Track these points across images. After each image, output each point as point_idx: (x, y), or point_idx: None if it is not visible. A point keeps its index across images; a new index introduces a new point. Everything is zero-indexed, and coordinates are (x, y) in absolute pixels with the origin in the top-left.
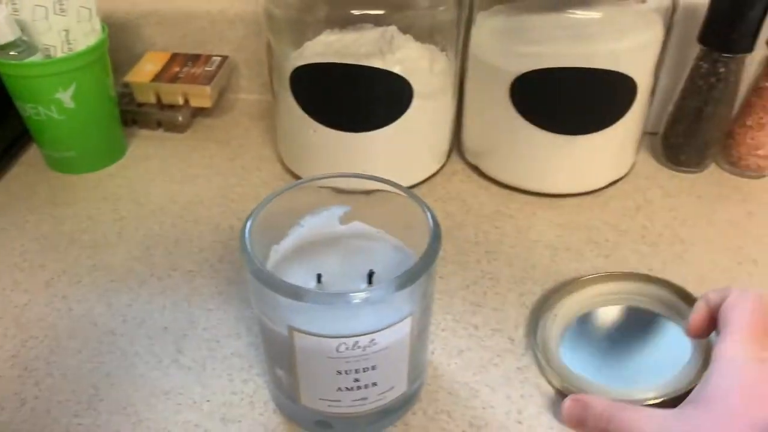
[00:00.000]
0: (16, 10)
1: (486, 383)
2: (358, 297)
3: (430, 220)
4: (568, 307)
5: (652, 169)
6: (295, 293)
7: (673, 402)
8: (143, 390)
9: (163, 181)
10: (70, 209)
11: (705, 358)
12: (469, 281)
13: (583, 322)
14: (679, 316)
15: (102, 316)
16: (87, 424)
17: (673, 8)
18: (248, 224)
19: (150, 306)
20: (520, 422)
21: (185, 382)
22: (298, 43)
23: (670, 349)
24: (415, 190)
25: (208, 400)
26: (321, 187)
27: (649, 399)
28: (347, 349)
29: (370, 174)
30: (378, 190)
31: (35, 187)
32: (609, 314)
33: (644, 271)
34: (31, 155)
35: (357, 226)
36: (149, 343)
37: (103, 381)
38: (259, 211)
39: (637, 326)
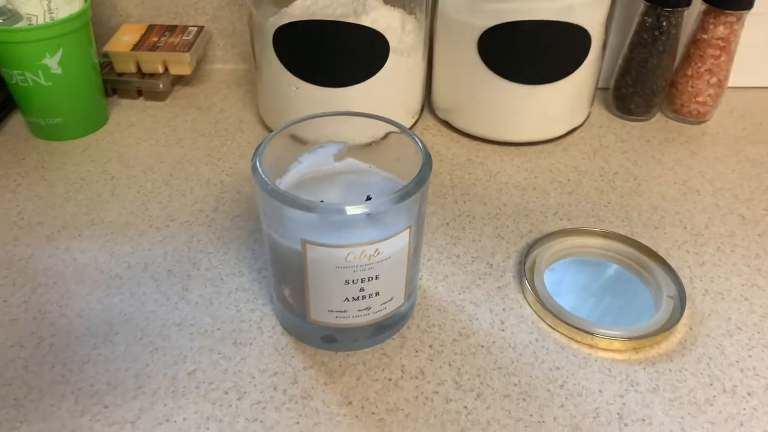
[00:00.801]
0: None
1: (470, 300)
2: (362, 208)
3: (420, 145)
4: (557, 249)
5: (606, 119)
6: (307, 206)
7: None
8: (155, 323)
9: (150, 144)
10: (60, 172)
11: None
12: (449, 219)
13: (568, 265)
14: (649, 275)
15: (106, 263)
16: (106, 354)
17: None
18: (260, 150)
19: (151, 253)
20: (503, 330)
21: (195, 314)
22: (277, 7)
23: (637, 305)
24: None
25: (218, 329)
26: (317, 124)
27: (610, 336)
28: (354, 258)
29: (363, 112)
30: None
31: (23, 154)
32: (591, 264)
33: (604, 204)
34: (14, 125)
35: (350, 162)
36: (155, 284)
37: (116, 318)
38: (267, 142)
39: (613, 279)
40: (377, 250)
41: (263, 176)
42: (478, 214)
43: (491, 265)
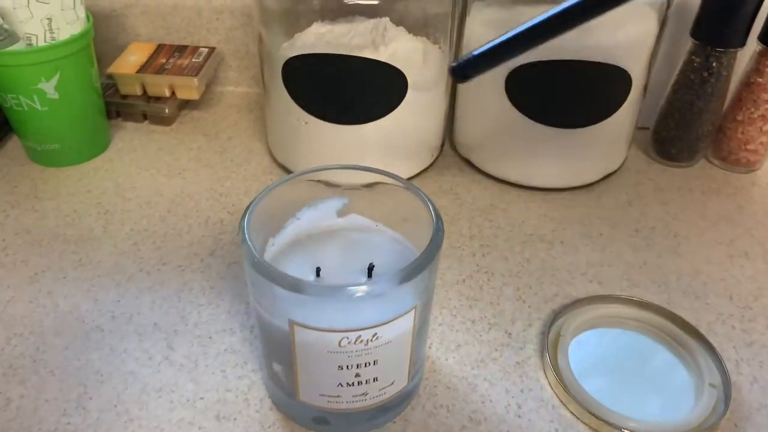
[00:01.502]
0: None
1: (485, 377)
2: (361, 290)
3: (432, 212)
4: (584, 319)
5: (643, 163)
6: (296, 286)
7: None
8: (134, 387)
9: (150, 174)
10: (53, 203)
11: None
12: (465, 275)
13: (596, 337)
14: (689, 356)
15: (89, 312)
16: (76, 423)
17: (668, 2)
18: (247, 215)
19: (138, 301)
20: (519, 416)
21: (177, 379)
22: (290, 34)
23: (673, 392)
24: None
25: (201, 398)
26: (319, 180)
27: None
28: (349, 343)
29: (367, 166)
30: (376, 183)
31: (16, 180)
32: (623, 338)
33: (639, 265)
34: (12, 147)
35: (355, 218)
36: (139, 339)
37: (91, 378)
38: (257, 202)
39: (647, 357)
40: (375, 334)
41: (250, 245)
42: (498, 270)
43: (510, 334)
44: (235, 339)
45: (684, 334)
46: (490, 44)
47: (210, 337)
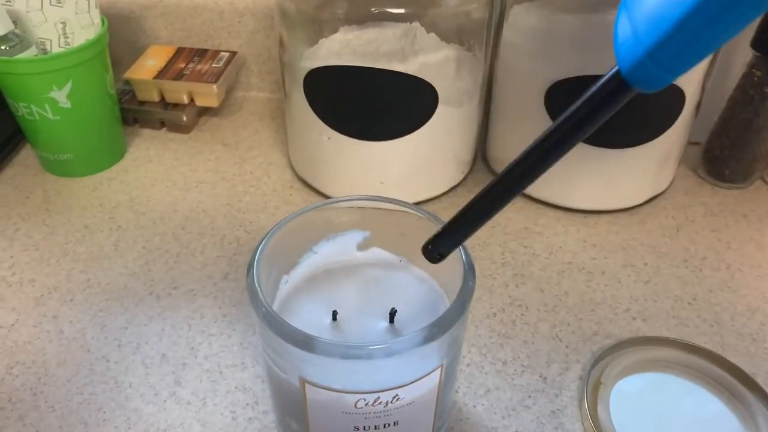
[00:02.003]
0: (8, 1)
1: (516, 428)
2: (380, 350)
3: (464, 257)
4: (627, 363)
5: (693, 183)
6: (308, 343)
7: None
8: (137, 427)
9: (165, 187)
10: (64, 216)
11: None
12: (497, 308)
13: (640, 383)
14: (745, 410)
15: (95, 341)
16: None
17: None
18: (256, 259)
19: (147, 329)
20: None
21: (184, 419)
22: (313, 40)
23: None
24: (436, 203)
25: None
26: (338, 209)
27: None
28: (366, 405)
29: (391, 197)
30: (401, 212)
31: (28, 191)
32: (669, 385)
33: (687, 300)
34: (26, 155)
35: (376, 253)
36: (145, 372)
37: (93, 416)
38: (267, 241)
39: (697, 409)
40: (396, 396)
41: (259, 293)
42: (533, 303)
43: (545, 378)
44: (246, 375)
45: (739, 385)
46: (469, 211)
47: (220, 372)
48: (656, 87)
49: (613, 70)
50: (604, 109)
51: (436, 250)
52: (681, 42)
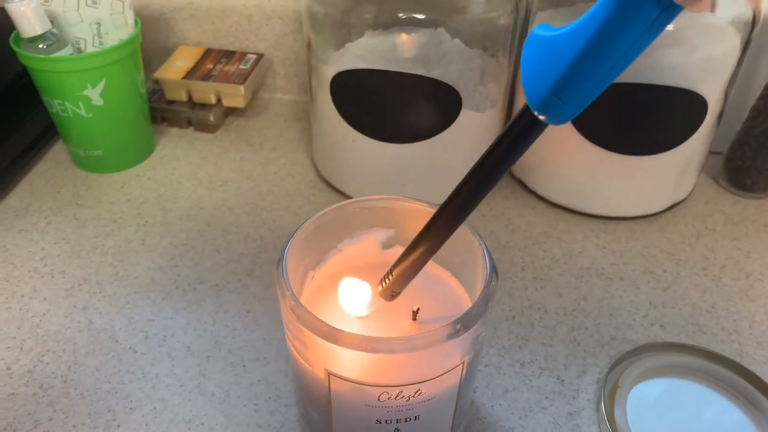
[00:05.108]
0: (46, 1)
1: (532, 429)
2: (404, 344)
3: (487, 259)
4: (645, 368)
5: (714, 192)
6: (335, 337)
7: None
8: (163, 416)
9: (192, 185)
10: (94, 211)
11: None
12: (516, 311)
13: (658, 389)
14: (763, 419)
15: (123, 331)
16: None
17: (753, 21)
18: (285, 253)
19: (173, 322)
20: None
21: (208, 410)
22: (340, 44)
23: None
24: None
25: None
26: (363, 208)
27: None
28: (389, 398)
29: (417, 197)
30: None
31: (59, 185)
32: (687, 391)
33: (706, 308)
34: (57, 151)
35: (400, 251)
36: (171, 364)
37: (121, 404)
38: (296, 237)
39: (715, 416)
40: (418, 390)
41: (287, 285)
42: (551, 307)
43: (562, 381)
44: (269, 369)
45: (757, 393)
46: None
47: (244, 366)
48: (563, 119)
49: (524, 105)
50: (521, 143)
51: (389, 289)
52: (577, 79)
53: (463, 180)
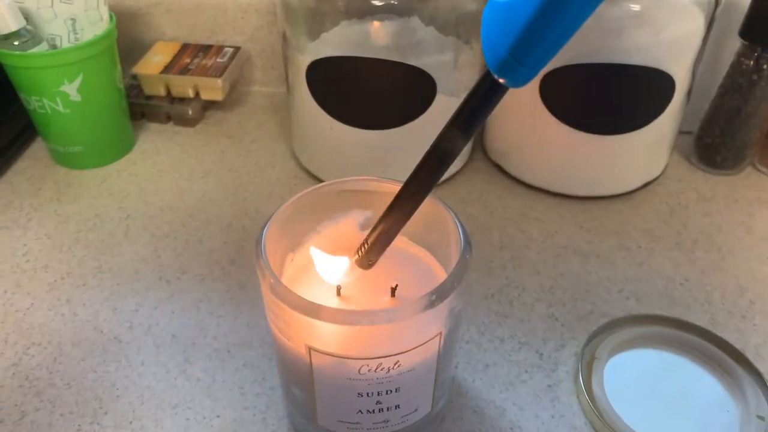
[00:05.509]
0: None
1: (513, 401)
2: (382, 316)
3: (461, 232)
4: (621, 340)
5: (686, 171)
6: (314, 311)
7: None
8: (150, 402)
9: (173, 178)
10: (75, 206)
11: None
12: (494, 289)
13: (633, 359)
14: (735, 383)
15: (107, 322)
16: None
17: (716, 2)
18: (264, 234)
19: (157, 312)
20: None
21: (194, 394)
22: (315, 34)
23: (716, 423)
24: (436, 191)
25: (218, 416)
26: (341, 190)
27: None
28: (369, 371)
29: (392, 178)
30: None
31: (40, 183)
32: (662, 361)
33: (680, 281)
34: (36, 149)
35: None
36: (156, 351)
37: (107, 392)
38: (274, 219)
39: (688, 383)
40: (397, 362)
41: (267, 266)
42: (529, 285)
43: (541, 354)
44: (253, 354)
45: (729, 359)
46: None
47: (228, 351)
48: (522, 81)
49: (485, 70)
50: (484, 107)
51: (366, 258)
52: (532, 41)
53: (431, 146)
